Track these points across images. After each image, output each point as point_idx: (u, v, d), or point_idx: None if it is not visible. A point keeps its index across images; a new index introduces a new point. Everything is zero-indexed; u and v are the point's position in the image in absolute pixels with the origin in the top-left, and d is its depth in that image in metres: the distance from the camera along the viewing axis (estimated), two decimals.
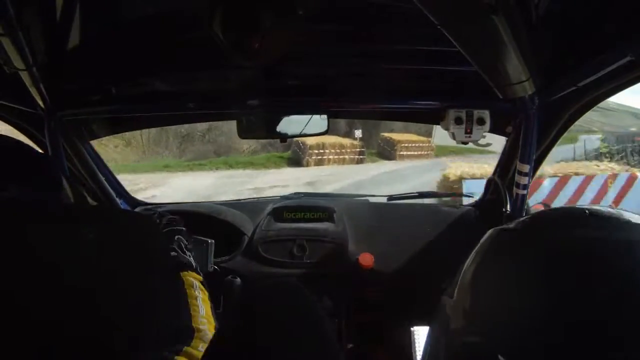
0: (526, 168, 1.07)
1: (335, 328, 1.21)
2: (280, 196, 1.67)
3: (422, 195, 1.75)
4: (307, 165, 12.09)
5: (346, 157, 12.71)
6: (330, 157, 12.45)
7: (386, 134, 14.24)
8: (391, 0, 0.84)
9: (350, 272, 1.27)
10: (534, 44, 0.67)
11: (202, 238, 1.27)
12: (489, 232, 0.40)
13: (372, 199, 1.66)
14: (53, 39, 0.83)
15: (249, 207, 1.49)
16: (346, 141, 12.90)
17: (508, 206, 1.20)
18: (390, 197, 1.66)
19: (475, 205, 1.48)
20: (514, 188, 1.12)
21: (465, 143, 1.14)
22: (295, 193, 1.69)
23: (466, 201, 1.62)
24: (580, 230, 0.34)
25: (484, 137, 1.13)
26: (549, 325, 0.29)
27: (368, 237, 1.34)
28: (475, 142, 1.13)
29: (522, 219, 0.39)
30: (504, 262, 0.36)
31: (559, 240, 0.33)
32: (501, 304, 0.33)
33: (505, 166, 1.27)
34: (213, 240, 1.28)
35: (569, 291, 0.30)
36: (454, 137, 1.12)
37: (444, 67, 1.01)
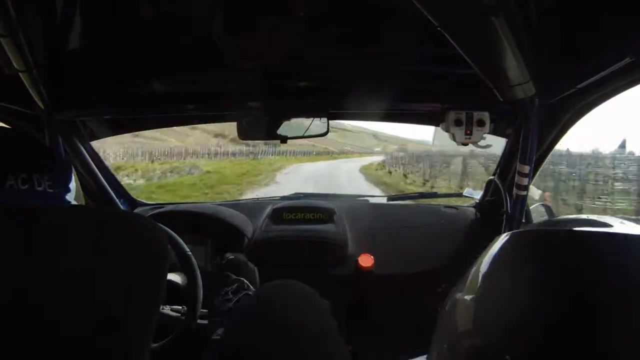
0: (526, 169, 1.07)
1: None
2: (280, 197, 1.67)
3: (422, 196, 1.75)
4: None
5: None
6: None
7: None
8: (391, 1, 0.84)
9: (350, 273, 1.27)
10: (533, 45, 0.67)
11: (202, 239, 1.27)
12: (503, 236, 0.39)
13: (372, 200, 1.66)
14: (53, 41, 0.83)
15: (248, 207, 1.49)
16: None
17: (508, 207, 1.20)
18: (390, 198, 1.66)
19: (475, 206, 1.48)
20: (514, 189, 1.12)
21: (465, 144, 1.14)
22: (295, 194, 1.69)
23: (466, 202, 1.62)
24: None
25: (484, 138, 1.13)
26: (557, 330, 0.29)
27: (368, 238, 1.34)
28: (475, 143, 1.13)
29: (536, 223, 0.39)
30: (517, 266, 0.35)
31: (572, 246, 0.33)
32: (513, 309, 0.32)
33: (505, 167, 1.27)
34: (213, 242, 1.29)
35: (577, 297, 0.30)
36: (454, 138, 1.12)
37: (444, 69, 1.01)
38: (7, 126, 1.14)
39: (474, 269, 0.38)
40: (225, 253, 1.03)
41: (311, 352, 0.49)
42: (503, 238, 0.38)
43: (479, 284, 0.36)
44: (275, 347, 0.48)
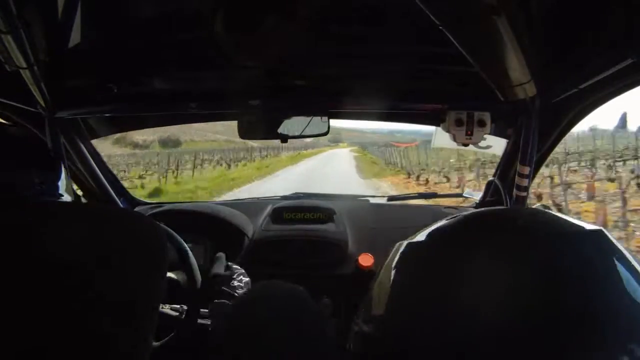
0: (526, 170, 1.07)
1: (335, 329, 1.21)
2: (280, 196, 1.67)
3: (422, 196, 1.75)
4: None
5: None
6: None
7: None
8: (392, 1, 0.84)
9: (350, 273, 1.27)
10: (535, 45, 0.67)
11: (202, 239, 1.27)
12: (396, 246, 0.42)
13: (372, 200, 1.66)
14: (54, 38, 0.83)
15: (248, 207, 1.49)
16: None
17: None
18: (390, 198, 1.66)
19: (475, 206, 1.48)
20: (514, 190, 1.12)
21: (465, 145, 1.14)
22: (294, 193, 1.69)
23: (466, 203, 1.62)
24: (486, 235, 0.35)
25: (484, 139, 1.12)
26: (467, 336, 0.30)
27: (368, 238, 1.34)
28: (475, 144, 1.13)
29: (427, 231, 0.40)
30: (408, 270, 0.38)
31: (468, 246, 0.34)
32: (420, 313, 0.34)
33: (505, 168, 1.27)
34: (213, 241, 1.29)
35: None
36: (454, 139, 1.12)
37: (445, 69, 1.01)
38: (6, 122, 1.14)
39: (378, 279, 0.41)
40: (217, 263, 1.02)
41: (304, 353, 0.49)
42: (398, 248, 0.41)
43: (386, 295, 0.40)
44: (268, 348, 0.48)
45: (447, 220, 0.39)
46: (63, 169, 0.65)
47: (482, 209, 0.40)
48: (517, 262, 0.31)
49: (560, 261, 0.31)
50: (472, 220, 0.38)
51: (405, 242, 0.41)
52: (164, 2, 0.86)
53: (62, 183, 0.65)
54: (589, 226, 0.34)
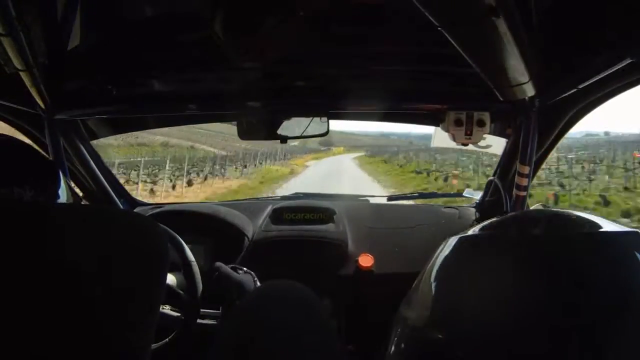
0: (526, 169, 1.07)
1: (335, 330, 1.21)
2: (280, 196, 1.67)
3: (422, 195, 1.75)
4: None
5: None
6: None
7: None
8: (391, 1, 0.84)
9: (350, 273, 1.27)
10: (534, 45, 0.67)
11: (202, 239, 1.27)
12: (450, 240, 0.42)
13: (372, 200, 1.66)
14: (53, 40, 0.83)
15: (248, 207, 1.49)
16: None
17: (508, 207, 1.20)
18: (390, 198, 1.67)
19: (475, 206, 1.48)
20: (514, 189, 1.13)
21: (465, 145, 1.14)
22: (295, 194, 1.69)
23: (466, 202, 1.62)
24: (539, 231, 0.35)
25: (484, 139, 1.13)
26: (513, 327, 0.30)
27: (368, 238, 1.34)
28: (475, 143, 1.13)
29: (482, 225, 0.41)
30: (468, 265, 0.38)
31: (522, 242, 0.35)
32: (465, 305, 0.34)
33: (505, 168, 1.27)
34: (213, 242, 1.29)
35: (535, 294, 0.31)
36: (454, 138, 1.12)
37: (445, 69, 1.01)
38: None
39: (427, 270, 0.41)
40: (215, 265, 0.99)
41: (308, 352, 0.49)
42: (451, 242, 0.40)
43: (434, 285, 0.39)
44: (272, 347, 0.48)
45: (489, 222, 0.40)
46: (62, 179, 0.64)
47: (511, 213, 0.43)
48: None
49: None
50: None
51: (456, 237, 0.41)
52: (162, 4, 0.86)
53: (62, 192, 0.64)
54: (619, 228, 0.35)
